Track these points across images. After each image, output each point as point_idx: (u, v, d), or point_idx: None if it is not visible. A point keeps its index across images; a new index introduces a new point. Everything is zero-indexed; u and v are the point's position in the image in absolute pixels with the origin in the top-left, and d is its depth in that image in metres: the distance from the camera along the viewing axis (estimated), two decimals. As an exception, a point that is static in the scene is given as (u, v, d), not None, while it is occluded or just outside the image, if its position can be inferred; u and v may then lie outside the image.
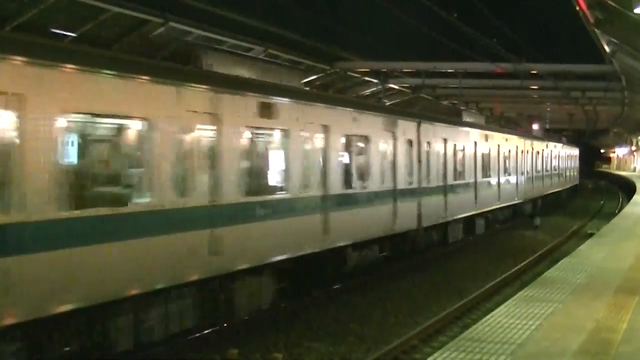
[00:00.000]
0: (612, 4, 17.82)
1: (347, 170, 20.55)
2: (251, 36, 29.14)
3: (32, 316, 10.85)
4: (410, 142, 24.70)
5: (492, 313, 12.96)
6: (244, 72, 17.20)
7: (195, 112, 14.43)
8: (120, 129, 13.26)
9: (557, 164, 55.98)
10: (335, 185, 19.53)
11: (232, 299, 15.52)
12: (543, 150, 50.18)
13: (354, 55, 35.24)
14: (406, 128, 24.46)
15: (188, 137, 14.31)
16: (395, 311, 18.77)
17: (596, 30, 22.18)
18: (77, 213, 11.63)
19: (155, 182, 13.33)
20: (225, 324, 15.95)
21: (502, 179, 37.38)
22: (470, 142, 32.32)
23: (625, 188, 71.84)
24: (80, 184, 12.10)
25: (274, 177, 17.42)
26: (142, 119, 13.19)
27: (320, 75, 35.34)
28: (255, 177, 16.62)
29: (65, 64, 11.69)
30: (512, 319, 12.33)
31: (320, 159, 19.06)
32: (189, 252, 13.97)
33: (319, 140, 19.04)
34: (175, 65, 15.75)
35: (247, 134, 16.31)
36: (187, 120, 14.20)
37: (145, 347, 13.72)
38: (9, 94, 10.63)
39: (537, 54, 35.21)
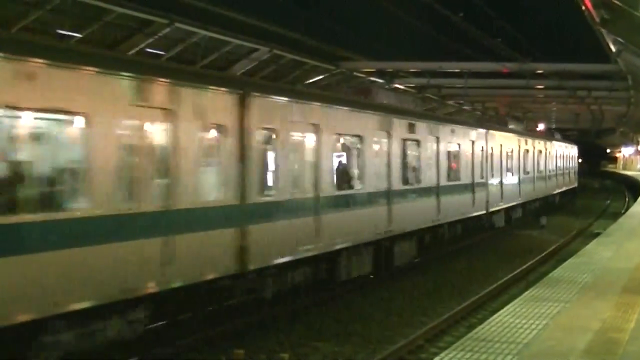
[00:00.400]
0: (618, 3, 17.78)
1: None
2: (256, 37, 29.15)
3: None
4: None
5: (498, 313, 12.94)
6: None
7: (143, 106, 12.86)
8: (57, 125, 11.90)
9: (550, 165, 51.02)
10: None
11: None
12: (532, 148, 44.82)
13: (359, 56, 35.25)
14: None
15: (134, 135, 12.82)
16: (399, 311, 18.75)
17: (602, 30, 22.15)
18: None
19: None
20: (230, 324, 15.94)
21: (476, 183, 31.50)
22: (426, 136, 25.64)
23: (632, 188, 71.76)
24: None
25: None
26: (77, 114, 11.78)
27: (325, 75, 35.34)
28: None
29: None
30: (518, 318, 12.30)
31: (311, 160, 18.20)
32: (139, 263, 12.55)
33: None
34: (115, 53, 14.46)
35: (213, 133, 14.79)
36: (132, 116, 12.67)
37: (149, 347, 13.73)
38: None
39: (543, 53, 35.20)
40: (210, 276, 14.48)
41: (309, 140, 18.20)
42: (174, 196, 13.39)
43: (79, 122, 11.79)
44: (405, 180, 23.66)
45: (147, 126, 13.03)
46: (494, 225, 35.11)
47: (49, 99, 11.21)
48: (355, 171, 20.80)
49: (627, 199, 61.75)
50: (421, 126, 24.89)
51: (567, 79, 35.71)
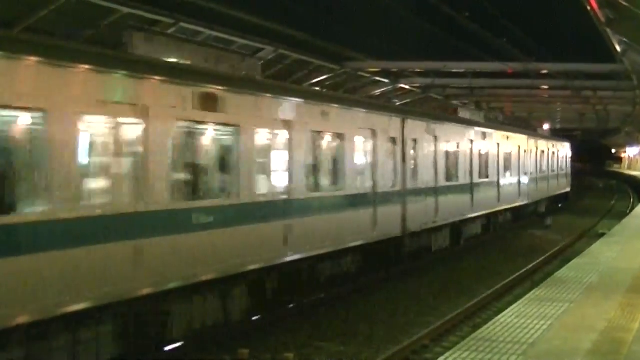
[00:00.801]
0: (623, 3, 17.76)
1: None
2: (261, 36, 29.16)
3: None
4: None
5: (503, 313, 12.92)
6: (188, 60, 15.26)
7: (106, 101, 12.10)
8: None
9: (534, 165, 43.16)
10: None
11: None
12: (498, 145, 35.73)
13: (364, 55, 35.24)
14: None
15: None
16: (404, 311, 18.75)
17: (607, 30, 22.12)
18: None
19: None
20: (235, 324, 15.94)
21: (379, 194, 22.10)
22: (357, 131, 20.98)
23: (637, 188, 71.70)
24: None
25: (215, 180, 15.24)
26: (33, 109, 11.00)
27: (329, 75, 35.35)
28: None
29: None
30: (523, 318, 12.29)
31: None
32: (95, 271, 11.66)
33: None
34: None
35: (181, 129, 13.95)
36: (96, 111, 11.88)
37: (155, 347, 13.73)
38: None
39: (548, 53, 35.17)
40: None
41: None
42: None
43: None
44: None
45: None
46: (419, 253, 25.51)
47: None
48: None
49: (632, 199, 61.67)
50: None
51: (572, 79, 35.68)
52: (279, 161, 17.09)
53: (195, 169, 14.46)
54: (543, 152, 46.53)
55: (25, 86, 10.75)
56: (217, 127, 14.99)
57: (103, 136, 12.36)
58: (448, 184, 27.76)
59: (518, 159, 39.13)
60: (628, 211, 47.34)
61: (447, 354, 10.24)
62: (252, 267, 15.56)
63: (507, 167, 36.86)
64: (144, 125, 12.76)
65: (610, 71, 33.33)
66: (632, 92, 39.10)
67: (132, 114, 12.55)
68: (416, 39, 41.96)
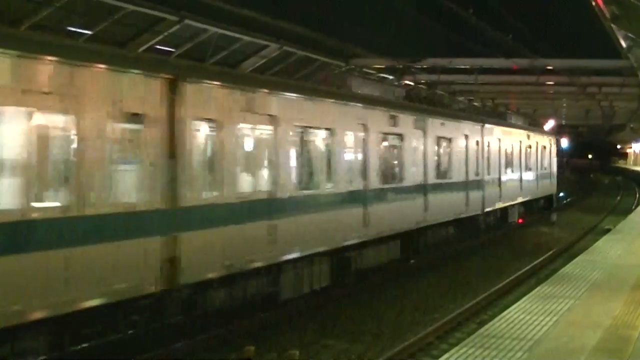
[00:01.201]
0: (629, -1, 17.75)
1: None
2: (266, 33, 29.17)
3: None
4: None
5: (509, 309, 12.94)
6: None
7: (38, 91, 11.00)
8: None
9: (495, 163, 33.61)
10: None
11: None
12: (450, 139, 28.17)
13: (369, 52, 35.24)
14: None
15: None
16: (411, 309, 18.76)
17: (612, 26, 22.09)
18: None
19: None
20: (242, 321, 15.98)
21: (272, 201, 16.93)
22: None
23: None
24: None
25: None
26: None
27: (335, 72, 35.37)
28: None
29: None
30: (528, 315, 12.30)
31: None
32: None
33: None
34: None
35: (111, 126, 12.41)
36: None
37: (160, 343, 13.77)
38: None
39: (553, 49, 35.17)
40: None
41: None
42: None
43: None
44: None
45: None
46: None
47: None
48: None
49: (637, 195, 61.59)
50: None
51: (577, 75, 35.64)
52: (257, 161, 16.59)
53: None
54: (513, 145, 36.87)
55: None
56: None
57: None
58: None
59: (465, 155, 29.47)
60: (633, 207, 47.28)
61: (452, 351, 10.26)
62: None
63: (442, 166, 27.25)
64: None
65: (616, 67, 33.29)
66: (638, 88, 39.06)
67: None
68: (421, 36, 41.95)
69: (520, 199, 38.24)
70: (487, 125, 32.70)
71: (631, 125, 72.73)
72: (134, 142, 12.85)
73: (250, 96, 15.88)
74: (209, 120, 14.56)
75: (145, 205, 12.82)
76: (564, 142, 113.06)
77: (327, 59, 33.54)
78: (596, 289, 14.61)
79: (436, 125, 26.50)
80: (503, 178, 34.53)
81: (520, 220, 38.94)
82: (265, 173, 16.51)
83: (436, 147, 26.76)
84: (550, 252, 27.98)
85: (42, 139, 11.14)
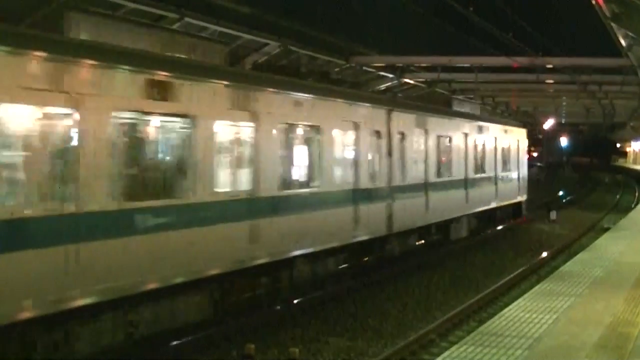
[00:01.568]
0: (629, -3, 17.75)
1: None
2: (267, 31, 29.17)
3: None
4: None
5: (509, 307, 12.96)
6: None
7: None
8: None
9: (434, 165, 26.17)
10: None
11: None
12: (378, 134, 21.73)
13: (369, 49, 35.22)
14: None
15: None
16: (413, 306, 18.77)
17: (612, 24, 22.09)
18: None
19: None
20: (243, 319, 15.98)
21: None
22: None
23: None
24: None
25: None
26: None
27: (335, 70, 35.34)
28: None
29: None
30: (528, 313, 12.32)
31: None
32: None
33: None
34: None
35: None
36: None
37: (162, 341, 13.79)
38: None
39: (554, 47, 35.12)
40: None
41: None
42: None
43: None
44: None
45: None
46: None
47: None
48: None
49: (637, 194, 61.58)
50: None
51: (578, 73, 35.66)
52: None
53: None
54: (452, 139, 28.35)
55: None
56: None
57: None
58: None
59: (401, 152, 23.10)
60: (633, 205, 47.29)
61: (452, 348, 10.28)
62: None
63: (297, 169, 18.29)
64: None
65: (616, 65, 33.29)
66: (638, 86, 39.06)
67: None
68: (421, 33, 41.98)
69: (467, 211, 29.28)
70: (398, 113, 22.88)
71: (631, 124, 72.73)
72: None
73: None
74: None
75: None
76: (564, 141, 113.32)
77: (328, 57, 33.53)
78: (597, 287, 14.63)
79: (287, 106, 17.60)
80: (434, 183, 25.60)
81: (523, 219, 38.96)
82: None
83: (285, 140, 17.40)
84: (551, 250, 27.98)
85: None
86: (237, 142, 15.66)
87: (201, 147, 14.08)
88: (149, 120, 13.28)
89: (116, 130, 12.21)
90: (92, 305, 11.68)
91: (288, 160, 17.33)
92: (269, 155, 16.16)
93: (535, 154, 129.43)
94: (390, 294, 20.07)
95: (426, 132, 25.58)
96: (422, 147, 25.27)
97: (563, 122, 66.01)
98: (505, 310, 12.74)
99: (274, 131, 16.51)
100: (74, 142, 11.48)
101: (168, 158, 13.96)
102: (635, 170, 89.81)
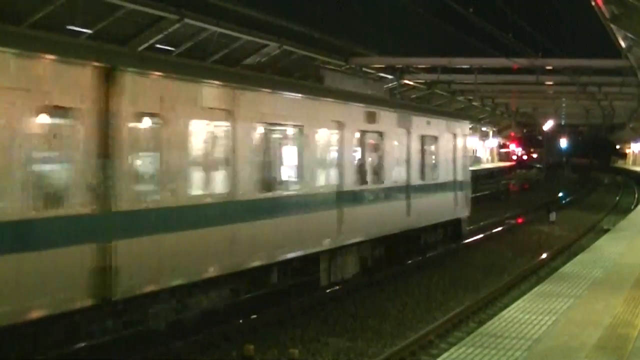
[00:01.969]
0: (629, -1, 17.77)
1: None
2: (266, 32, 29.15)
3: None
4: None
5: (508, 308, 12.96)
6: None
7: None
8: None
9: (305, 168, 17.77)
10: None
11: None
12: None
13: (369, 50, 35.24)
14: None
15: None
16: (413, 307, 18.76)
17: (612, 25, 22.12)
18: None
19: None
20: (241, 320, 15.98)
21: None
22: None
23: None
24: None
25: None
26: None
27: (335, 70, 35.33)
28: None
29: None
30: (528, 314, 12.32)
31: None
32: None
33: None
34: None
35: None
36: None
37: (161, 342, 13.79)
38: None
39: (553, 48, 35.17)
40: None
41: None
42: None
43: None
44: None
45: None
46: None
47: None
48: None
49: (636, 195, 61.58)
50: None
51: (577, 74, 35.70)
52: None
53: None
54: (381, 137, 21.49)
55: None
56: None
57: None
58: None
59: (277, 153, 17.12)
60: (633, 207, 47.29)
61: (452, 350, 10.28)
62: None
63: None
64: None
65: (616, 67, 33.33)
66: (638, 87, 39.11)
67: None
68: (421, 34, 42.04)
69: (371, 234, 20.91)
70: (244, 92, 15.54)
71: (631, 125, 72.79)
72: None
73: None
74: None
75: None
76: (564, 142, 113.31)
77: (327, 58, 33.52)
78: (596, 288, 14.63)
79: None
80: (305, 193, 17.70)
81: (519, 220, 38.98)
82: None
83: None
84: (551, 251, 27.98)
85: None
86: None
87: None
88: None
89: None
90: None
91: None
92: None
93: (534, 155, 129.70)
94: (390, 294, 20.07)
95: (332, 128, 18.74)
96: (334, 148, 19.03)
97: (563, 123, 65.98)
98: (505, 311, 12.74)
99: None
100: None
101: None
102: (635, 172, 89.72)
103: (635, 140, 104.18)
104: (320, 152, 18.47)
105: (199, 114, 14.21)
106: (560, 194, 59.48)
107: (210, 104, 14.55)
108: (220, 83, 15.03)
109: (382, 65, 35.09)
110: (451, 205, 26.96)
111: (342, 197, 19.11)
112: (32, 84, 10.86)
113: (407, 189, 23.07)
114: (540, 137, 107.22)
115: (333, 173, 19.09)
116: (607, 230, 28.17)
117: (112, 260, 11.88)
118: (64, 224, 11.30)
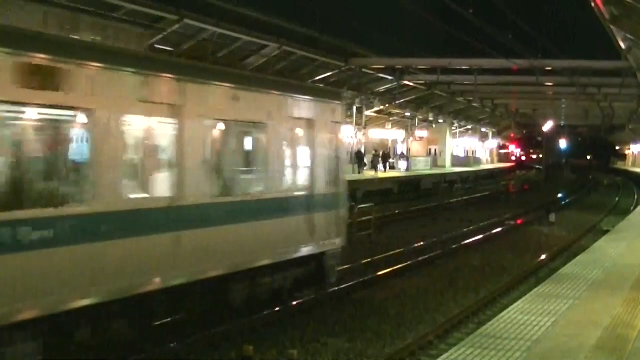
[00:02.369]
0: (629, 1, 17.77)
1: None
2: (266, 32, 29.17)
3: None
4: None
5: (508, 309, 12.96)
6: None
7: None
8: None
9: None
10: None
11: None
12: None
13: (369, 51, 35.27)
14: None
15: None
16: (412, 307, 18.75)
17: (612, 26, 22.13)
18: None
19: None
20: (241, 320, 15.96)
21: None
22: None
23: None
24: None
25: None
26: None
27: (335, 72, 35.36)
28: None
29: None
30: (527, 315, 12.32)
31: None
32: None
33: None
34: None
35: None
36: None
37: (160, 341, 13.78)
38: None
39: (554, 49, 35.18)
40: None
41: None
42: None
43: None
44: None
45: None
46: None
47: None
48: None
49: (635, 196, 61.60)
50: None
51: (577, 75, 35.72)
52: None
53: None
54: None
55: None
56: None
57: None
58: None
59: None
60: (632, 208, 47.29)
61: (451, 351, 10.28)
62: None
63: None
64: None
65: (615, 68, 33.36)
66: (637, 89, 39.13)
67: None
68: (421, 35, 42.03)
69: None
70: None
71: (630, 126, 72.83)
72: None
73: None
74: None
75: None
76: (563, 143, 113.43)
77: (327, 58, 33.54)
78: (596, 289, 14.63)
79: None
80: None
81: (519, 221, 39.03)
82: None
83: None
84: (550, 252, 27.98)
85: None
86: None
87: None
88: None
89: None
90: None
91: None
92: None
93: (534, 156, 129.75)
94: (389, 295, 20.06)
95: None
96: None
97: (562, 124, 65.99)
98: (505, 312, 12.74)
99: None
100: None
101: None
102: (635, 173, 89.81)
103: (635, 142, 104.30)
104: None
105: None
106: (560, 195, 59.53)
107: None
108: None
109: (382, 66, 35.10)
110: (303, 235, 17.38)
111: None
112: None
113: (170, 213, 13.25)
114: (539, 138, 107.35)
115: None
116: (606, 232, 28.19)
117: None
118: None
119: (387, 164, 64.49)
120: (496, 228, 35.56)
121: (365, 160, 56.74)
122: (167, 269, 13.03)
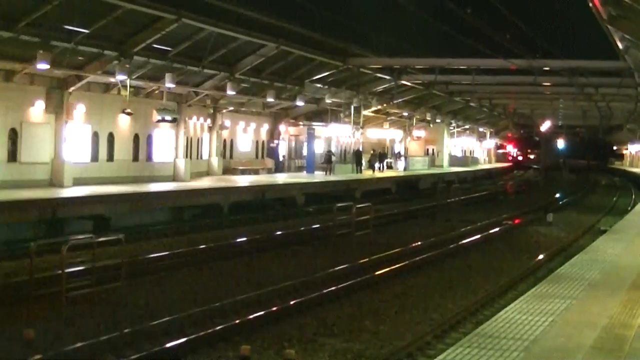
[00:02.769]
0: (627, 1, 17.77)
1: None
2: (264, 32, 29.14)
3: None
4: None
5: (506, 309, 12.95)
6: None
7: None
8: None
9: None
10: None
11: None
12: None
13: (367, 51, 35.26)
14: None
15: None
16: (410, 308, 18.75)
17: (609, 27, 22.13)
18: None
19: None
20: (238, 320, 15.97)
21: None
22: None
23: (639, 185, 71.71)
24: None
25: None
26: None
27: (333, 71, 35.35)
28: None
29: None
30: (525, 315, 12.32)
31: None
32: None
33: None
34: None
35: None
36: None
37: (159, 341, 13.78)
38: None
39: (552, 49, 35.20)
40: None
41: None
42: None
43: None
44: None
45: None
46: None
47: None
48: None
49: (633, 196, 61.62)
50: None
51: (575, 75, 35.73)
52: None
53: None
54: None
55: None
56: None
57: None
58: None
59: None
60: (630, 208, 47.31)
61: (449, 350, 10.27)
62: None
63: None
64: None
65: (613, 68, 33.38)
66: (635, 89, 39.15)
67: None
68: (419, 35, 42.03)
69: None
70: None
71: (628, 126, 72.85)
72: None
73: None
74: None
75: None
76: (561, 143, 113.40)
77: (325, 58, 33.52)
78: (593, 289, 14.63)
79: None
80: None
81: (517, 221, 39.05)
82: None
83: None
84: (548, 252, 27.99)
85: None
86: None
87: None
88: None
89: None
90: None
91: None
92: None
93: (531, 156, 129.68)
94: (387, 295, 20.06)
95: None
96: None
97: (560, 124, 66.01)
98: (502, 312, 12.73)
99: None
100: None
101: None
102: (633, 173, 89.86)
103: (633, 142, 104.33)
104: None
105: None
106: (558, 195, 59.53)
107: None
108: None
109: (380, 66, 35.11)
110: None
111: None
112: None
113: None
114: (537, 138, 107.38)
115: None
116: (604, 232, 28.18)
117: None
118: None
119: (385, 163, 64.55)
120: (494, 228, 35.57)
121: (363, 160, 56.80)
122: None
